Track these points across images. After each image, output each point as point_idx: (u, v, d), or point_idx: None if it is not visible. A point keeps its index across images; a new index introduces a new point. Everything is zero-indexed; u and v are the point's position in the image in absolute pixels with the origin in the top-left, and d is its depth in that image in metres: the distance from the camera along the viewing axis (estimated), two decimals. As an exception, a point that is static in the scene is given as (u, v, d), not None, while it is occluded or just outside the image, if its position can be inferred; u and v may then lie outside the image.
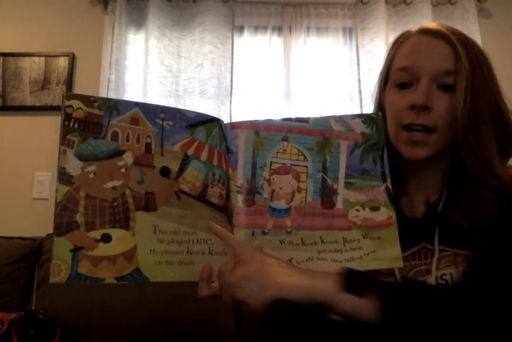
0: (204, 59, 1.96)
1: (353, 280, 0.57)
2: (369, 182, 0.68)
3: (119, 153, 0.61)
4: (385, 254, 0.66)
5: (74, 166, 0.58)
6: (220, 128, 0.67)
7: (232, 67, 1.99)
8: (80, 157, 0.59)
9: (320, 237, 0.66)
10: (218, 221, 0.64)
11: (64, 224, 0.57)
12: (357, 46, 2.01)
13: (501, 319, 0.56)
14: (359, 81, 1.96)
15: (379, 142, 0.69)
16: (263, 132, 0.67)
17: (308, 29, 2.08)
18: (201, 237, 0.63)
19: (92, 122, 0.60)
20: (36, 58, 2.02)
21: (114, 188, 0.60)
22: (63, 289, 1.37)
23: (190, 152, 0.64)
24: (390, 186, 0.68)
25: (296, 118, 0.69)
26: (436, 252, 0.70)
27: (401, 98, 0.72)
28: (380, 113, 0.71)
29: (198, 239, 0.63)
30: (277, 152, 0.67)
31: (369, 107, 1.92)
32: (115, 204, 0.59)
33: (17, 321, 1.16)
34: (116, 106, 0.61)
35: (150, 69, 1.93)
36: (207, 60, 1.96)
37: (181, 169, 0.63)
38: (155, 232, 0.61)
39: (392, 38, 1.98)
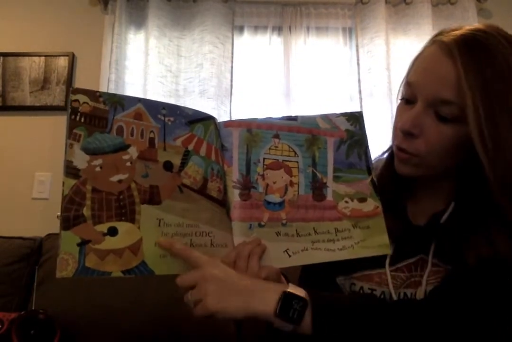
0: (204, 59, 1.96)
1: (288, 307, 0.57)
2: (355, 175, 0.72)
3: (124, 147, 0.62)
4: (373, 242, 0.70)
5: (80, 159, 0.59)
6: (215, 126, 0.70)
7: (232, 67, 1.99)
8: (87, 151, 0.59)
9: (313, 228, 0.70)
10: (218, 214, 0.67)
11: (71, 217, 0.57)
12: (357, 46, 2.01)
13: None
14: (359, 81, 1.96)
15: (362, 138, 0.73)
16: (255, 130, 0.71)
17: (308, 29, 2.08)
18: (203, 230, 0.65)
19: (98, 116, 0.61)
20: (36, 58, 2.02)
21: (120, 181, 0.60)
22: (63, 289, 1.37)
23: (190, 147, 0.66)
24: (375, 179, 0.72)
25: (285, 117, 0.73)
26: (429, 264, 0.69)
27: (402, 113, 0.69)
28: (361, 111, 0.76)
29: (201, 231, 0.64)
30: (269, 148, 0.71)
31: (369, 107, 1.92)
32: (121, 197, 0.60)
33: (17, 321, 1.16)
34: (120, 102, 0.63)
35: (150, 69, 1.93)
36: (207, 60, 1.96)
37: (183, 164, 0.65)
38: (159, 225, 0.61)
39: (392, 38, 2.01)
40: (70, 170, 0.58)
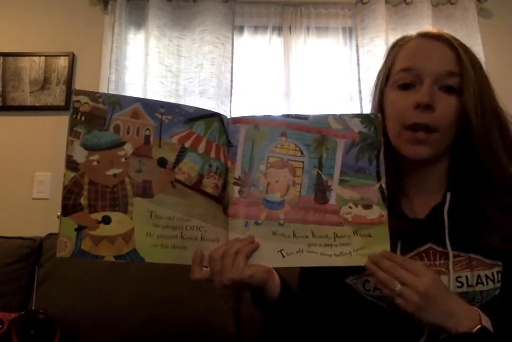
0: (204, 59, 1.96)
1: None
2: (363, 181, 0.70)
3: (120, 144, 0.66)
4: (372, 251, 0.67)
5: (79, 154, 0.65)
6: (221, 123, 0.71)
7: (232, 67, 1.99)
8: (86, 147, 0.65)
9: (311, 231, 0.69)
10: (211, 210, 0.69)
11: (70, 205, 0.64)
12: (357, 46, 2.01)
13: None
14: (359, 81, 1.96)
15: (375, 142, 0.70)
16: (262, 127, 0.70)
17: (308, 29, 2.08)
18: (195, 224, 0.68)
19: (97, 115, 0.66)
20: (36, 58, 2.02)
21: (114, 175, 0.66)
22: (63, 289, 1.37)
23: (187, 144, 0.69)
24: (384, 186, 0.69)
25: (295, 115, 0.71)
26: (450, 256, 0.70)
27: (404, 98, 0.73)
28: (379, 114, 0.72)
29: (192, 225, 0.68)
30: (275, 147, 0.70)
31: (369, 107, 1.92)
32: (115, 189, 0.65)
33: (17, 321, 1.16)
34: (118, 101, 0.67)
35: (150, 69, 1.93)
36: (207, 60, 1.96)
37: (178, 161, 0.68)
38: (151, 217, 0.66)
39: (392, 38, 2.00)
40: (70, 163, 0.64)
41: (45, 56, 2.02)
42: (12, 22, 2.08)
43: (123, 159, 0.66)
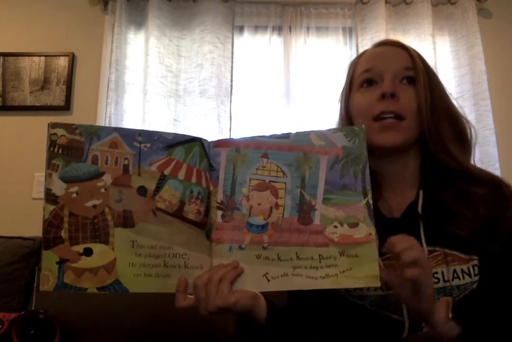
0: (204, 59, 1.96)
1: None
2: (348, 198, 0.67)
3: (99, 175, 0.67)
4: (360, 272, 0.64)
5: (58, 187, 0.66)
6: (201, 147, 0.71)
7: (232, 67, 1.99)
8: (64, 179, 0.66)
9: (296, 253, 0.67)
10: (194, 236, 0.68)
11: (50, 238, 0.64)
12: (357, 46, 2.01)
13: None
14: (359, 81, 1.96)
15: (361, 155, 0.68)
16: (243, 150, 0.69)
17: (308, 29, 2.08)
18: (177, 252, 0.68)
19: (74, 147, 0.67)
20: (36, 58, 2.02)
21: (94, 206, 0.66)
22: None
23: (167, 171, 0.68)
24: (370, 201, 0.67)
25: (276, 134, 0.70)
26: (425, 252, 0.71)
27: (369, 94, 0.78)
28: (363, 126, 0.70)
29: (174, 253, 0.67)
30: (257, 169, 0.69)
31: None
32: (95, 221, 0.66)
33: (17, 321, 1.16)
34: (96, 132, 0.68)
35: (150, 69, 1.93)
36: (207, 60, 1.96)
37: (158, 188, 0.68)
38: (133, 247, 0.66)
39: (392, 38, 2.00)
40: (49, 197, 0.66)
41: (45, 56, 2.03)
42: (12, 22, 2.08)
43: (102, 190, 0.66)
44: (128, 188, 0.67)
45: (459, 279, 0.70)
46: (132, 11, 2.04)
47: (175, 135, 0.70)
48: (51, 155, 0.67)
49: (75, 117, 1.99)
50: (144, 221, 0.66)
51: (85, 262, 0.64)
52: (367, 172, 0.67)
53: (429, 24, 1.99)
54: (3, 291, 1.41)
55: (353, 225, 0.66)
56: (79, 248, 0.64)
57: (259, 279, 0.67)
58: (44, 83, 2.00)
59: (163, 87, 1.95)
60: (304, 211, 0.67)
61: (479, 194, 0.72)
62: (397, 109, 0.75)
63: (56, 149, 0.67)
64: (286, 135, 0.69)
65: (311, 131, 0.70)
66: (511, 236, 0.72)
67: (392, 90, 0.75)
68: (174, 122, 1.94)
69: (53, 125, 0.68)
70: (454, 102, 0.82)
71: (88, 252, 0.64)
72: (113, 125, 1.88)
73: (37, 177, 1.92)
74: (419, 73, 0.77)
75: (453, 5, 2.07)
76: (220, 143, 0.71)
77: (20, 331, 1.16)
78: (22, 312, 1.20)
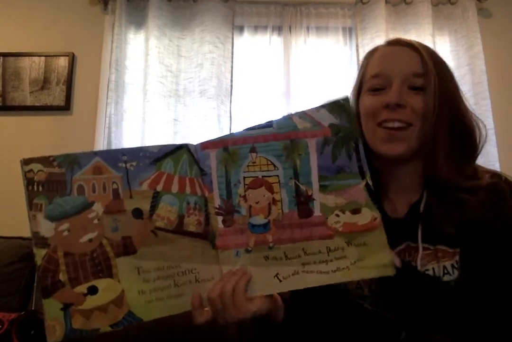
0: (204, 59, 1.96)
1: None
2: (345, 181, 0.63)
3: (88, 206, 0.62)
4: (372, 261, 0.61)
5: (46, 228, 0.60)
6: (189, 153, 0.66)
7: (232, 67, 1.99)
8: (51, 218, 0.60)
9: (303, 249, 0.63)
10: (199, 249, 0.65)
11: (48, 285, 0.59)
12: (357, 46, 2.01)
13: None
14: (359, 81, 1.96)
15: (351, 132, 0.63)
16: (231, 148, 0.66)
17: (308, 29, 2.08)
18: (186, 268, 0.65)
19: (55, 181, 0.61)
20: (36, 58, 2.02)
21: (90, 240, 0.61)
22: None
23: (159, 188, 0.64)
24: (370, 182, 0.63)
25: (259, 125, 0.66)
26: (420, 249, 0.72)
27: (375, 100, 0.77)
28: (347, 96, 0.65)
29: (183, 270, 0.65)
30: (248, 165, 0.65)
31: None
32: (94, 255, 0.61)
33: (17, 321, 1.16)
34: (76, 161, 0.62)
35: (150, 69, 1.93)
36: (207, 60, 1.96)
37: (153, 207, 0.64)
38: (139, 273, 0.62)
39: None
40: (39, 240, 0.59)
41: (45, 56, 2.03)
42: (12, 22, 2.08)
43: (95, 221, 0.61)
44: (123, 213, 0.62)
45: (450, 274, 0.70)
46: (132, 11, 2.04)
47: (160, 147, 0.65)
48: (30, 195, 0.60)
49: (75, 117, 1.99)
50: (145, 244, 0.63)
51: (92, 302, 0.60)
52: (361, 148, 0.63)
53: (429, 24, 1.99)
54: (3, 291, 1.41)
55: (356, 211, 0.62)
56: (82, 288, 0.60)
57: (271, 280, 0.64)
58: (44, 83, 2.00)
59: (163, 87, 1.95)
60: (302, 203, 0.64)
61: (472, 200, 0.71)
62: (402, 117, 0.74)
63: (35, 187, 0.61)
64: (270, 124, 0.65)
65: (293, 113, 0.65)
66: (507, 233, 0.70)
67: (397, 101, 0.73)
68: (174, 122, 1.95)
69: (26, 162, 0.61)
70: (467, 104, 0.79)
71: (93, 290, 0.60)
72: (113, 125, 1.88)
73: (37, 177, 1.92)
74: (429, 80, 0.74)
75: (453, 5, 2.07)
76: (207, 145, 0.66)
77: (20, 331, 1.16)
78: (22, 312, 1.20)
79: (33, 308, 1.32)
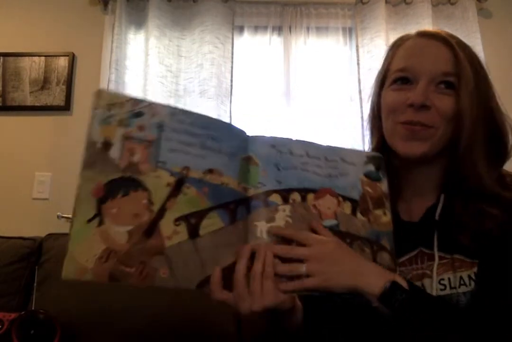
0: (204, 59, 1.96)
1: (391, 295, 0.59)
2: None
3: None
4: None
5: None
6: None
7: (232, 67, 1.99)
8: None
9: None
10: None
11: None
12: (357, 46, 2.01)
13: None
14: (359, 81, 1.96)
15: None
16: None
17: (308, 29, 2.08)
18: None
19: None
20: (36, 58, 2.02)
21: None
22: (63, 289, 1.37)
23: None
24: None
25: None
26: (436, 258, 0.70)
27: (400, 94, 0.72)
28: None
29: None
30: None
31: (368, 107, 1.92)
32: None
33: (17, 321, 1.16)
34: None
35: (150, 69, 1.93)
36: (207, 60, 1.96)
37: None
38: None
39: (392, 38, 2.00)
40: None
41: (45, 56, 2.02)
42: (12, 22, 2.08)
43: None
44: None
45: (466, 285, 0.67)
46: (132, 11, 2.04)
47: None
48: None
49: (75, 117, 1.99)
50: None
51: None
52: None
53: (429, 24, 1.99)
54: (3, 291, 1.41)
55: None
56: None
57: None
58: (44, 83, 2.00)
59: (163, 87, 1.95)
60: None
61: (493, 213, 0.67)
62: (425, 120, 0.69)
63: None
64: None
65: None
66: None
67: (422, 102, 0.68)
68: (174, 122, 1.94)
69: None
70: (500, 103, 0.75)
71: None
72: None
73: (37, 177, 1.92)
74: (463, 82, 0.69)
75: (453, 5, 2.07)
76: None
77: (20, 331, 1.16)
78: (22, 312, 1.20)
79: (33, 308, 1.32)
